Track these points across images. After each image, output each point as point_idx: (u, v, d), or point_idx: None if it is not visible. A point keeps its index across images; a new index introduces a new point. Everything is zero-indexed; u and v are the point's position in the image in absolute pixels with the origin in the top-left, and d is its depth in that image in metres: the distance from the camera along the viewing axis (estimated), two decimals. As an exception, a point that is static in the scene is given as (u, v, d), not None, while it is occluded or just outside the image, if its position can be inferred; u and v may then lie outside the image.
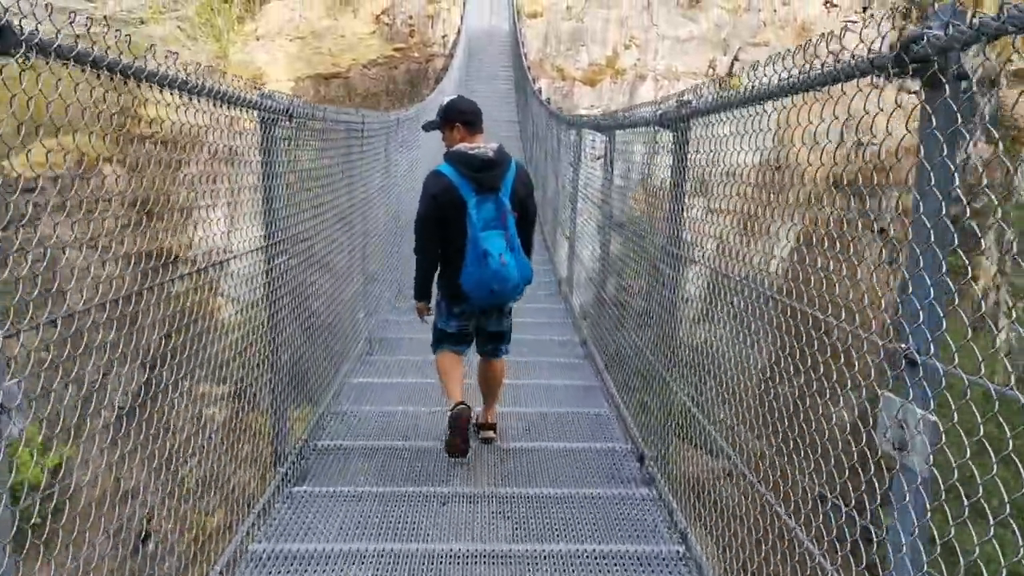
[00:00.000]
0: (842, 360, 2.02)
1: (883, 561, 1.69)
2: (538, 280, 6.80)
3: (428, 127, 4.31)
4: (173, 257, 3.33)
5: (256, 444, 3.73)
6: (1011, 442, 1.35)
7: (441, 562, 3.17)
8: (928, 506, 1.52)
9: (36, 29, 1.72)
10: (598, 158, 6.99)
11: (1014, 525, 1.29)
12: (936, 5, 1.44)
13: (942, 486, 1.47)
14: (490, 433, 4.41)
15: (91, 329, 2.23)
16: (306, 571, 3.10)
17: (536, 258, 4.41)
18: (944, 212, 1.45)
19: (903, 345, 1.58)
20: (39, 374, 1.96)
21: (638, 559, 3.22)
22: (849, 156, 2.04)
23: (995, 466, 1.34)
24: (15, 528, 1.78)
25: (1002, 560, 1.31)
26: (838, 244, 2.15)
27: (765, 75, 2.33)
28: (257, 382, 3.72)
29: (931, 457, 1.47)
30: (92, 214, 2.42)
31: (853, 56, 1.72)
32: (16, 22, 1.63)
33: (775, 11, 20.84)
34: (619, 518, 3.56)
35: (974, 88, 1.51)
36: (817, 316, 2.09)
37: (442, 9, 21.15)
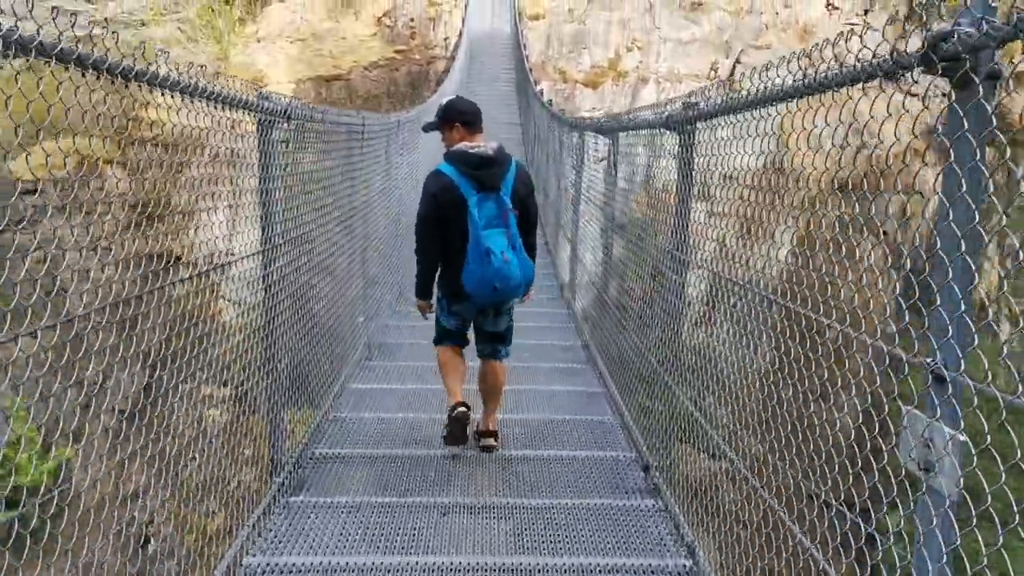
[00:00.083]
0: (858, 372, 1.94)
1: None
2: (540, 283, 6.71)
3: (427, 128, 4.29)
4: (175, 259, 3.27)
5: (258, 447, 3.67)
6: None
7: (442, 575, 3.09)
8: (958, 531, 1.43)
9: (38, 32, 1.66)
10: (601, 160, 6.91)
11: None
12: (967, 1, 1.35)
13: (973, 510, 1.38)
14: (491, 441, 4.32)
15: (91, 333, 2.17)
16: (302, 585, 3.01)
17: (538, 261, 4.34)
18: (976, 220, 1.37)
19: (929, 360, 1.49)
20: (37, 379, 1.91)
21: (644, 573, 3.13)
22: (858, 159, 1.97)
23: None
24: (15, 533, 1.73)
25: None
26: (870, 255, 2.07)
27: (778, 75, 2.25)
28: (257, 387, 3.66)
29: (961, 480, 1.39)
30: (91, 216, 2.37)
31: (874, 55, 1.64)
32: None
33: (777, 14, 20.76)
34: (624, 530, 3.47)
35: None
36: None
37: (443, 11, 21.08)
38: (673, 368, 3.83)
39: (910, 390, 1.62)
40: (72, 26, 1.75)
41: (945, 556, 1.44)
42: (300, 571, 3.09)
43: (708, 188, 3.51)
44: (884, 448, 1.67)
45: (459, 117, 4.03)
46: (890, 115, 1.73)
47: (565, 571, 3.12)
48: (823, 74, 1.92)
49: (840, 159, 2.01)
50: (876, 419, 1.82)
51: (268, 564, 3.11)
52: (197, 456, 3.00)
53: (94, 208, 2.51)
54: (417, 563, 3.16)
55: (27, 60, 1.63)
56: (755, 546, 2.57)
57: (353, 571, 3.10)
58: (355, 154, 6.02)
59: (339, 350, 5.40)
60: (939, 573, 1.46)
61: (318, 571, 3.09)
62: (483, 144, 3.93)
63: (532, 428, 4.75)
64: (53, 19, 1.70)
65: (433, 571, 3.11)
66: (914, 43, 1.56)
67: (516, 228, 3.85)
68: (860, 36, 1.73)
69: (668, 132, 4.04)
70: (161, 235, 3.15)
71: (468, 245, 3.79)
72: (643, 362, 4.50)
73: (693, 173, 3.62)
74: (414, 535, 3.40)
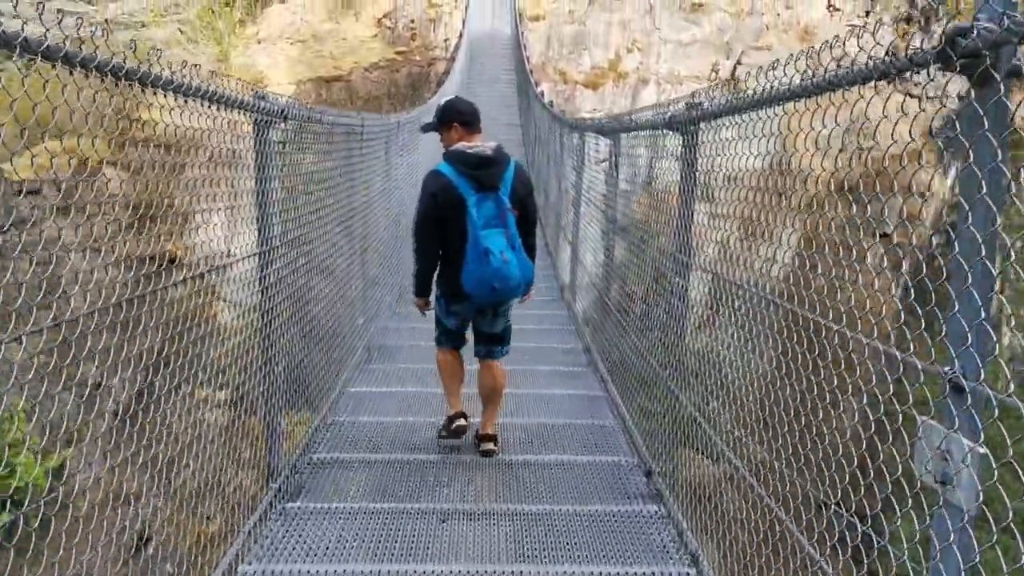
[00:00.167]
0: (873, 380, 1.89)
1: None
2: (540, 285, 6.66)
3: (426, 128, 4.28)
4: (171, 261, 3.23)
5: (256, 449, 3.62)
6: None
7: (440, 584, 3.03)
8: (976, 547, 1.37)
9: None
10: (602, 162, 6.86)
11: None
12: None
13: (994, 526, 1.33)
14: (490, 445, 4.26)
15: (90, 334, 2.13)
16: (299, 594, 2.96)
17: (538, 263, 4.30)
18: (997, 223, 1.32)
19: (947, 369, 1.43)
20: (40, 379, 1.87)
21: (647, 582, 3.07)
22: (865, 159, 1.92)
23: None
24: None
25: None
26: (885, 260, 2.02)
27: (784, 74, 2.20)
28: (255, 390, 3.61)
29: (980, 494, 1.33)
30: (92, 217, 2.32)
31: (888, 53, 1.58)
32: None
33: (778, 15, 20.70)
34: (626, 537, 3.41)
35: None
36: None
37: (444, 13, 21.03)
38: (675, 371, 3.78)
39: (925, 398, 1.57)
40: (59, 23, 1.70)
41: (963, 573, 1.39)
42: (296, 579, 3.03)
43: (711, 190, 3.46)
44: (898, 457, 1.61)
45: (457, 117, 4.01)
46: (905, 115, 1.68)
47: (567, 579, 3.06)
48: (832, 72, 1.87)
49: (850, 160, 1.96)
50: (889, 428, 1.77)
51: (264, 572, 3.05)
52: (191, 463, 2.94)
53: (84, 209, 2.46)
54: (415, 571, 3.10)
55: (10, 57, 1.58)
56: (761, 556, 2.51)
57: (351, 579, 3.04)
58: (354, 155, 5.97)
59: (338, 353, 5.34)
60: (957, 590, 1.41)
61: (315, 579, 3.04)
62: (482, 144, 3.91)
63: (532, 432, 4.69)
64: (39, 15, 1.65)
65: (432, 579, 3.06)
66: (914, 44, 1.51)
67: (515, 228, 3.83)
68: (872, 33, 1.67)
69: (671, 133, 3.98)
70: (155, 237, 3.10)
71: (467, 245, 3.76)
72: (645, 365, 4.44)
73: (696, 174, 3.56)
74: (413, 542, 3.34)
